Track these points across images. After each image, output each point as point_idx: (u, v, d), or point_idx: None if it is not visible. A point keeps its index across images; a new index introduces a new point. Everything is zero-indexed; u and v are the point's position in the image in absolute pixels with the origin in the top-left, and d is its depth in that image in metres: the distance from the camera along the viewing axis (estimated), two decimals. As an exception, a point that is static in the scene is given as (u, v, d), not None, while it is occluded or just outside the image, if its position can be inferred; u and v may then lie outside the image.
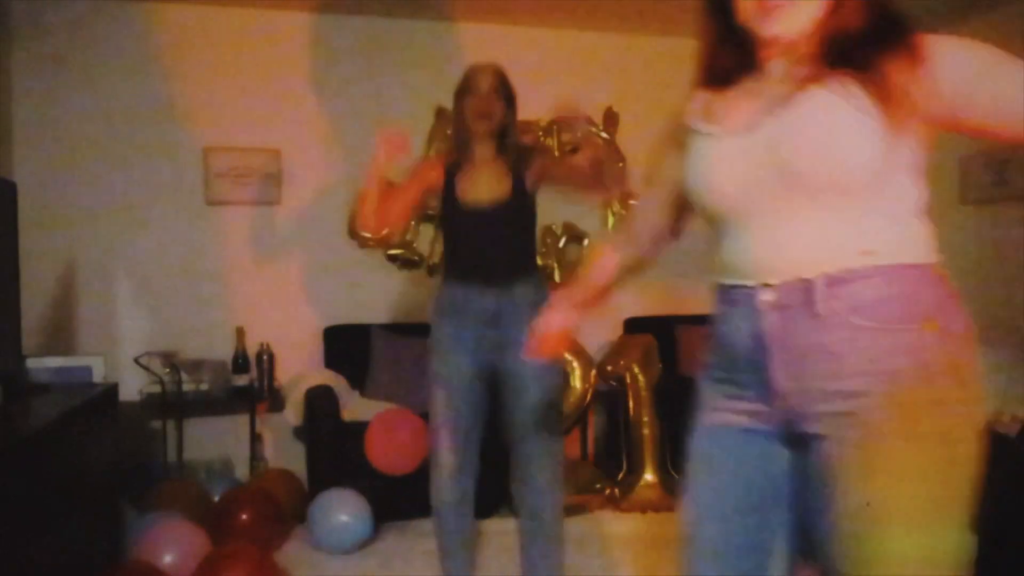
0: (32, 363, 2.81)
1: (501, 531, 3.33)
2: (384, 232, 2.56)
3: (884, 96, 1.03)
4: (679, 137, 1.28)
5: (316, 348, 3.92)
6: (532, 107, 4.21)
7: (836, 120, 1.04)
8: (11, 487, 1.97)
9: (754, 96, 1.15)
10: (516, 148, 2.49)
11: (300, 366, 3.89)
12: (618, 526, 3.32)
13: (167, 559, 2.62)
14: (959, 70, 1.05)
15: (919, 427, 1.03)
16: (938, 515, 1.03)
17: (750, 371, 1.15)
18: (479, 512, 3.40)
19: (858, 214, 1.08)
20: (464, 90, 2.43)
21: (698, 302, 4.53)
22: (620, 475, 3.56)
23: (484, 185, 2.42)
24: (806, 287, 1.07)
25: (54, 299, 3.65)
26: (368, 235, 2.43)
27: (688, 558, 1.24)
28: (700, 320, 4.65)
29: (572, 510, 2.99)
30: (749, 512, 1.19)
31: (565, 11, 4.05)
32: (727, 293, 1.18)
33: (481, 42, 4.18)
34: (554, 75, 4.29)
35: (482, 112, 2.39)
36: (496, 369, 2.46)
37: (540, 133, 4.24)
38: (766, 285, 1.10)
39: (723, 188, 1.15)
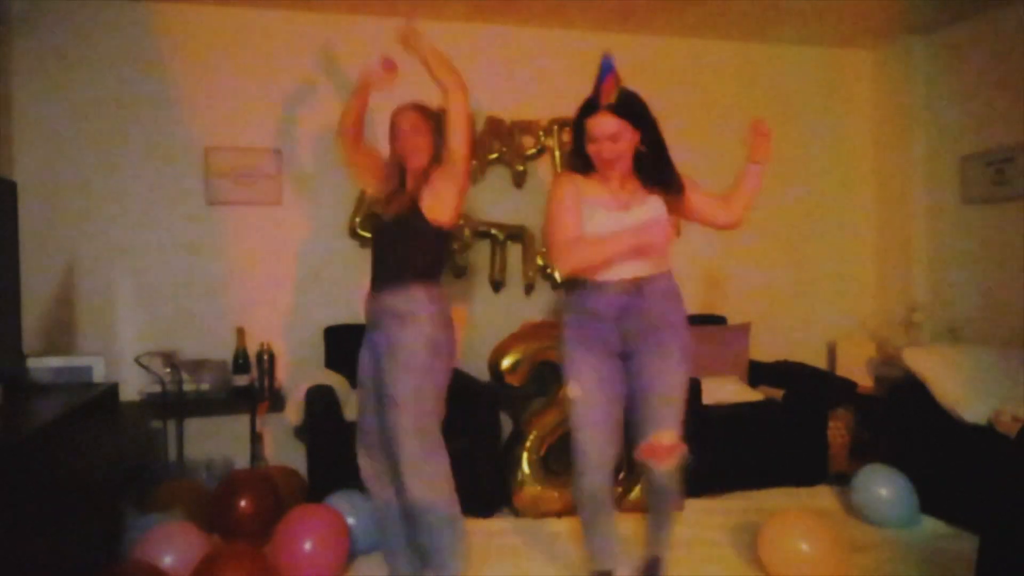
0: (32, 363, 2.81)
1: (501, 531, 3.34)
2: (352, 153, 2.90)
3: (671, 207, 2.49)
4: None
5: (316, 348, 3.93)
6: (532, 107, 4.25)
7: (662, 215, 2.43)
8: (11, 487, 1.97)
9: (613, 193, 2.45)
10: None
11: (300, 366, 3.90)
12: (618, 526, 3.32)
13: (167, 559, 2.62)
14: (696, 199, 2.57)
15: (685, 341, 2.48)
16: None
17: (609, 324, 2.42)
18: (479, 512, 3.43)
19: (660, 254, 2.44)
20: (392, 136, 2.68)
21: (698, 302, 4.54)
22: (620, 475, 3.55)
23: (395, 203, 2.65)
24: (639, 282, 2.41)
25: (54, 299, 3.65)
26: (343, 145, 2.91)
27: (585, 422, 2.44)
28: (700, 320, 4.65)
29: (572, 510, 2.99)
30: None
31: (565, 11, 4.05)
32: (597, 284, 2.42)
33: (481, 42, 4.19)
34: (554, 75, 4.30)
35: (408, 150, 2.64)
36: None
37: (540, 133, 4.25)
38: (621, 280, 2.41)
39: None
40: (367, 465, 2.74)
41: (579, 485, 2.49)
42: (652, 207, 2.44)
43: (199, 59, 3.85)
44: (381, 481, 2.72)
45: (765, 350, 4.42)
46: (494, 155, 4.19)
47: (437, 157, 2.62)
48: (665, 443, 2.39)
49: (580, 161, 2.47)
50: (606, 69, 2.41)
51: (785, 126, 4.71)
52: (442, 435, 2.61)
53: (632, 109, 2.40)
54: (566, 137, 4.28)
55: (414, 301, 2.55)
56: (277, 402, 3.83)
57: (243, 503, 3.04)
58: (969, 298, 4.25)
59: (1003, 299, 4.05)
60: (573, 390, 2.44)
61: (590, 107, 2.40)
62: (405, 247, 2.60)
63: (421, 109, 2.68)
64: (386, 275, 2.62)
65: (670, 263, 2.51)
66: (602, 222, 2.39)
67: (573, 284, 2.48)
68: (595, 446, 2.42)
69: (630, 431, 2.49)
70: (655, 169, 2.44)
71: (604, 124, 2.36)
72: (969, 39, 4.23)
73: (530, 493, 3.52)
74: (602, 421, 2.43)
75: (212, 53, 3.87)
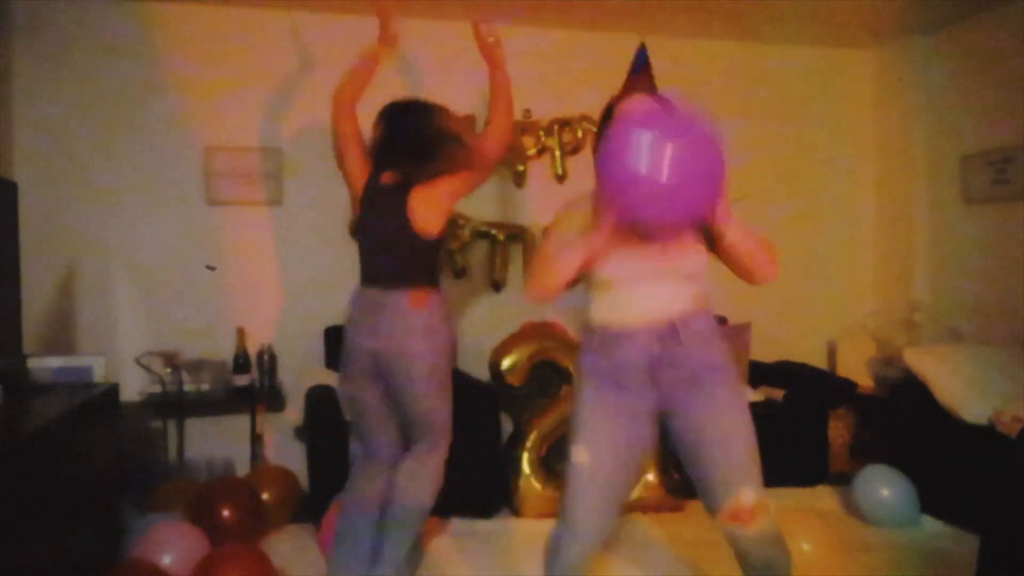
0: (33, 363, 2.81)
1: (501, 531, 3.33)
2: (346, 121, 2.94)
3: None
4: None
5: (317, 348, 3.92)
6: (532, 107, 4.25)
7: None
8: (11, 487, 1.97)
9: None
10: None
11: (301, 366, 3.89)
12: (618, 526, 3.32)
13: (167, 559, 2.62)
14: None
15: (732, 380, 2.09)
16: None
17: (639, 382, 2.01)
18: (479, 512, 3.43)
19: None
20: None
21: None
22: (620, 475, 3.56)
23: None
24: (673, 325, 2.00)
25: (54, 299, 3.65)
26: (340, 110, 2.97)
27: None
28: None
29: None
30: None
31: (566, 11, 4.05)
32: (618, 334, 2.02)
33: (481, 42, 4.19)
34: (554, 75, 4.30)
35: None
36: None
37: (540, 133, 4.25)
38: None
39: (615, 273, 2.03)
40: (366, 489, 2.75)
41: (559, 558, 2.08)
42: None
43: (199, 59, 3.85)
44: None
45: (765, 350, 4.42)
46: (494, 155, 4.19)
47: None
48: (744, 503, 1.95)
49: None
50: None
51: (785, 126, 4.70)
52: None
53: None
54: (567, 137, 4.29)
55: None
56: (277, 402, 3.83)
57: (225, 512, 3.00)
58: (969, 298, 4.24)
59: (1003, 299, 4.04)
60: (579, 455, 2.04)
61: None
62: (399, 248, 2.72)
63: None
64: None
65: (708, 298, 2.14)
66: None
67: (589, 337, 2.08)
68: (590, 522, 2.04)
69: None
70: None
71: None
72: (969, 39, 4.22)
73: (530, 493, 3.52)
74: (605, 496, 2.04)
75: (212, 53, 3.87)
